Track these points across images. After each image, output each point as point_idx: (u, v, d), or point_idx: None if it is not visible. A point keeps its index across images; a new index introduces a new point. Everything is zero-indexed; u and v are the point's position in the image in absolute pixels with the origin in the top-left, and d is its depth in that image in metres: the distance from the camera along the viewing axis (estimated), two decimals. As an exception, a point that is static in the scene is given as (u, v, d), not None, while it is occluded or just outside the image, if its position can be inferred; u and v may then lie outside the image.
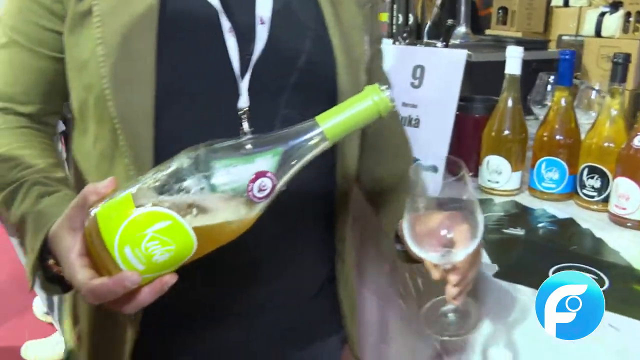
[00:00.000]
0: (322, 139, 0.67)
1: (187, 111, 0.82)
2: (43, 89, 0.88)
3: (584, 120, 1.54)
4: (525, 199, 1.39)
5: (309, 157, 0.68)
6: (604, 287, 0.99)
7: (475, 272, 0.87)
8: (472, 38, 2.16)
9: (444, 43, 1.86)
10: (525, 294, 0.98)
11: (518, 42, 1.99)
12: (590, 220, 1.26)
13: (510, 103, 1.39)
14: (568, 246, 1.15)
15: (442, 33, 1.89)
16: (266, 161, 0.66)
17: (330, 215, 0.97)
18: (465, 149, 1.50)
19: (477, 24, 2.75)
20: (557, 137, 1.36)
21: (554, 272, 1.03)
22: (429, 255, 0.84)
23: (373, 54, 1.02)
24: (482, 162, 1.43)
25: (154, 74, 0.79)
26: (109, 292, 0.63)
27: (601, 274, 1.03)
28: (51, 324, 2.62)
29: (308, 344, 1.00)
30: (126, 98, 0.79)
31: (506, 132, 1.39)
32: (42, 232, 0.73)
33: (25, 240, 0.76)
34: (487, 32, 3.11)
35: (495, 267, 1.06)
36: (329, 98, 0.89)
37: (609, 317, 0.86)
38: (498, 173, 1.40)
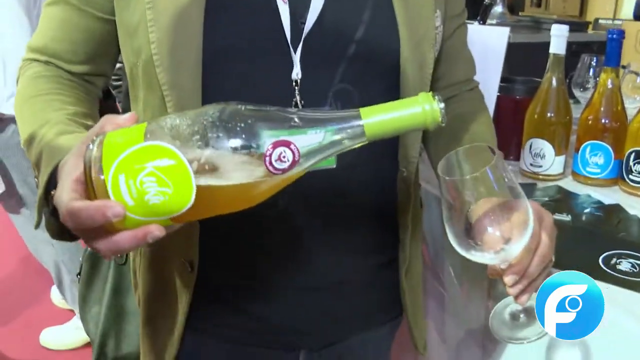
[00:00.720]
0: (361, 134, 0.62)
1: (236, 82, 0.79)
2: (90, 49, 0.86)
3: (628, 104, 1.49)
4: (569, 184, 1.35)
5: (340, 147, 0.63)
6: (657, 276, 0.95)
7: (540, 262, 0.77)
8: (509, 18, 2.10)
9: (481, 22, 1.80)
10: (575, 282, 0.94)
11: (556, 21, 1.93)
12: (637, 207, 1.22)
13: (554, 84, 1.34)
14: (616, 233, 1.11)
15: (478, 12, 1.84)
16: (295, 136, 0.61)
17: (391, 202, 0.92)
18: (506, 132, 1.45)
19: (510, 5, 2.69)
20: (603, 120, 1.31)
21: (604, 260, 0.99)
22: (479, 257, 0.75)
23: (449, 31, 0.96)
24: (524, 145, 1.38)
25: (202, 41, 0.76)
26: (88, 218, 0.58)
27: (653, 262, 0.99)
28: (70, 310, 2.60)
29: (361, 329, 0.97)
30: (174, 65, 0.76)
31: (550, 114, 1.34)
32: (52, 164, 0.69)
33: (39, 177, 0.72)
34: (521, 14, 3.04)
35: (543, 254, 1.02)
36: (390, 75, 0.85)
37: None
38: (541, 157, 1.35)
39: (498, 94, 1.36)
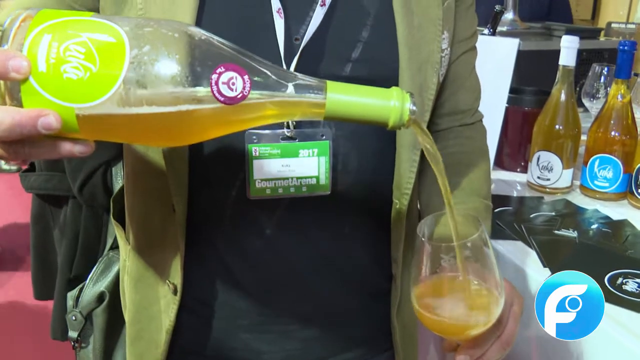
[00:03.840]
0: (320, 106, 0.56)
1: None
2: None
3: (639, 114, 1.48)
4: (577, 198, 1.34)
5: (293, 110, 0.57)
6: (665, 297, 0.93)
7: (500, 349, 0.71)
8: (521, 25, 2.08)
9: (491, 30, 1.79)
10: (580, 302, 0.93)
11: (567, 30, 1.91)
12: (646, 222, 1.20)
13: (563, 96, 1.32)
14: (623, 250, 1.09)
15: (489, 19, 1.82)
16: (254, 73, 0.55)
17: (385, 234, 0.88)
18: (514, 143, 1.45)
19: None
20: (613, 133, 1.30)
21: (609, 279, 0.98)
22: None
23: (455, 55, 0.90)
24: (531, 157, 1.37)
25: None
26: None
27: (661, 282, 0.97)
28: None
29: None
30: None
31: (558, 126, 1.33)
32: None
33: None
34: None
35: (548, 272, 1.01)
36: None
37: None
38: (549, 170, 1.34)
39: (506, 105, 1.35)
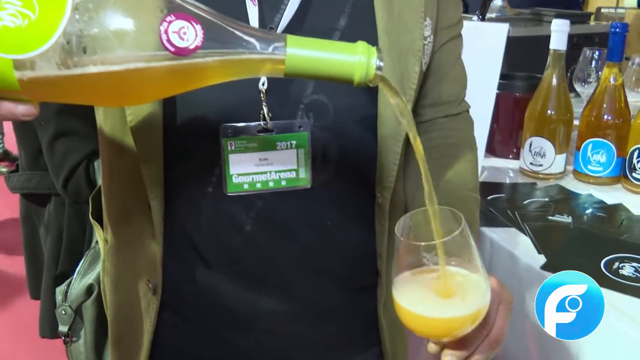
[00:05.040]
0: (279, 62, 0.53)
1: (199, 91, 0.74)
2: None
3: (632, 98, 1.46)
4: (570, 183, 1.32)
5: (250, 67, 0.53)
6: (663, 281, 0.92)
7: (488, 349, 0.67)
8: (510, 11, 2.06)
9: (481, 17, 1.76)
10: (576, 289, 0.91)
11: (557, 15, 1.89)
12: (641, 206, 1.18)
13: (554, 81, 1.30)
14: (619, 235, 1.07)
15: (478, 6, 1.80)
16: (209, 24, 0.51)
17: (369, 228, 0.84)
18: (506, 130, 1.43)
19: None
20: (605, 117, 1.28)
21: (606, 264, 0.96)
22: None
23: (439, 43, 0.86)
24: (524, 143, 1.35)
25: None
26: None
27: (657, 266, 0.96)
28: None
29: (341, 356, 0.90)
30: None
31: (550, 111, 1.31)
32: None
33: None
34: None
35: (543, 259, 0.99)
36: (367, 88, 0.77)
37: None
38: (541, 156, 1.32)
39: (497, 91, 1.33)
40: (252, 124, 0.73)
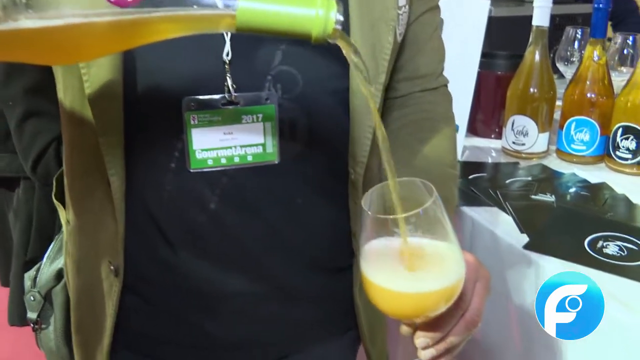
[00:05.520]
0: (230, 17, 0.50)
1: (160, 58, 0.69)
2: None
3: (615, 77, 1.43)
4: (553, 162, 1.30)
5: (198, 22, 0.50)
6: (648, 259, 0.90)
7: (465, 330, 0.63)
8: (492, -9, 2.03)
9: (463, -4, 1.73)
10: (559, 268, 0.88)
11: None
12: (625, 185, 1.17)
13: (537, 58, 1.28)
14: (603, 213, 1.05)
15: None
16: None
17: (341, 207, 0.81)
18: (488, 109, 1.40)
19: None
20: (589, 94, 1.26)
21: (590, 243, 0.94)
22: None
23: (415, 14, 0.83)
24: (506, 122, 1.32)
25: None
26: None
27: (643, 245, 0.93)
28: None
29: (310, 342, 0.87)
30: None
31: (533, 89, 1.28)
32: None
33: None
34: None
35: (525, 238, 0.96)
36: (337, 58, 0.69)
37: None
38: (524, 134, 1.29)
39: (479, 69, 1.30)
40: (216, 96, 0.70)
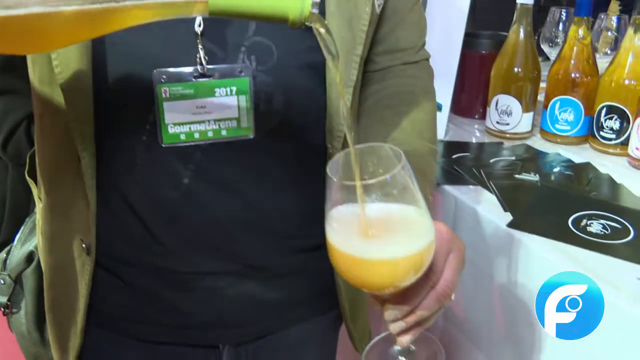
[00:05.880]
0: (202, 1, 0.48)
1: (130, 29, 0.68)
2: None
3: (599, 58, 1.42)
4: (537, 142, 1.28)
5: (172, 8, 0.49)
6: (629, 238, 0.89)
7: (436, 302, 0.61)
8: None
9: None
10: (543, 246, 0.87)
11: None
12: (609, 165, 1.15)
13: (521, 36, 1.26)
14: (587, 192, 1.04)
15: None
16: None
17: (319, 183, 0.79)
18: (472, 89, 1.38)
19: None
20: (573, 74, 1.24)
21: (573, 221, 0.93)
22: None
23: None
24: (490, 102, 1.31)
25: None
26: None
27: (626, 223, 0.92)
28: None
29: (290, 321, 0.85)
30: None
31: (517, 69, 1.26)
32: None
33: None
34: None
35: (509, 216, 0.95)
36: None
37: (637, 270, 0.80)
38: (508, 114, 1.28)
39: (462, 49, 1.28)
40: (188, 68, 0.67)
